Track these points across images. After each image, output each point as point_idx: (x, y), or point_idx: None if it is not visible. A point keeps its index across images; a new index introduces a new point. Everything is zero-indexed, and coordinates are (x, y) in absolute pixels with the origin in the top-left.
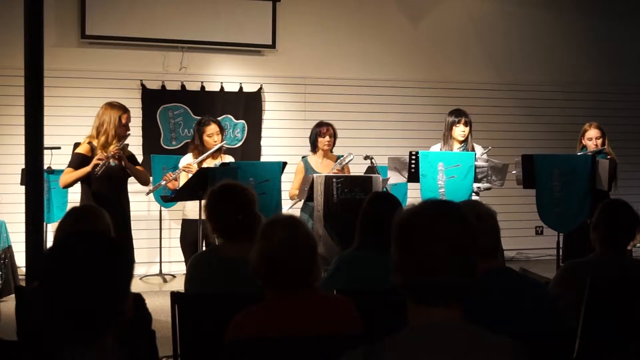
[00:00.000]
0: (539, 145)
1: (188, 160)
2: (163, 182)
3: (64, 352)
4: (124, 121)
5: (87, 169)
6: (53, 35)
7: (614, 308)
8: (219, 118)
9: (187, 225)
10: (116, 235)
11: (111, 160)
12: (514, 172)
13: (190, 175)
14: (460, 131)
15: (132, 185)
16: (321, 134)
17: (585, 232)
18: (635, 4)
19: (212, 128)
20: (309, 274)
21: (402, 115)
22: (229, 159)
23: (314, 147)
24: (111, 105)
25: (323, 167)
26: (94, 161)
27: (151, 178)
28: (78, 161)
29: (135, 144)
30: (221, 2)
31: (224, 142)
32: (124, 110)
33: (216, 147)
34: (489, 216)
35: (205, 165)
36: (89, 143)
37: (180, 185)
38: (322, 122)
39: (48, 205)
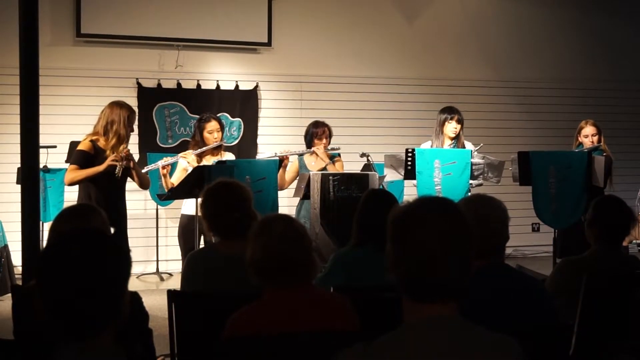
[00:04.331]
0: (535, 142)
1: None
2: (160, 163)
3: (60, 351)
4: (130, 121)
5: (100, 168)
6: (48, 33)
7: (610, 304)
8: None
9: (187, 220)
10: (114, 233)
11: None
12: (510, 168)
13: (187, 162)
14: (452, 128)
15: (129, 183)
16: (317, 135)
17: (581, 228)
18: (633, 0)
19: (213, 125)
20: (308, 268)
21: (398, 112)
22: (229, 156)
23: (309, 147)
24: (119, 105)
25: (317, 167)
26: (109, 162)
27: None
28: (82, 159)
29: (131, 142)
30: (217, 0)
31: (224, 140)
32: (131, 110)
33: (215, 145)
34: (491, 214)
35: (204, 162)
36: (91, 141)
37: (172, 179)
38: (318, 122)
39: (44, 204)
